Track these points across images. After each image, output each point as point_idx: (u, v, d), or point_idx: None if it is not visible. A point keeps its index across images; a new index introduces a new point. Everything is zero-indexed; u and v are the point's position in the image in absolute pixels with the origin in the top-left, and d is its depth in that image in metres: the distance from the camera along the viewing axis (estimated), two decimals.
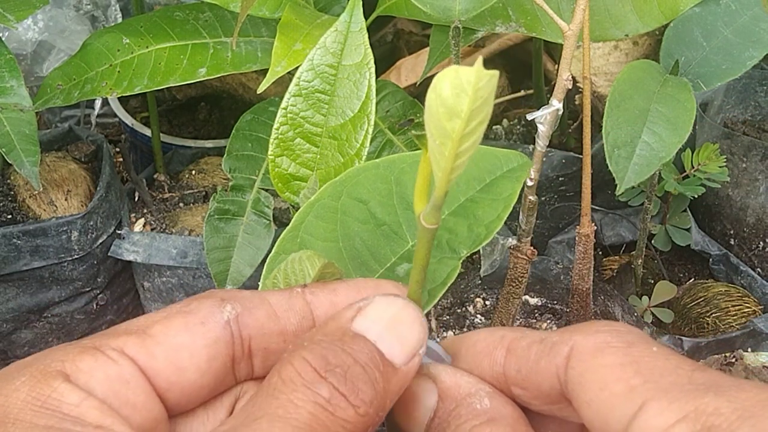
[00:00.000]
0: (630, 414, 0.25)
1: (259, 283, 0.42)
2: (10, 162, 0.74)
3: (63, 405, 0.25)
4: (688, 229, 0.89)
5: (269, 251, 0.77)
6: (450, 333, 0.79)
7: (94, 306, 0.89)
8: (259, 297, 0.30)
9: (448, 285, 0.41)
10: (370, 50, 0.51)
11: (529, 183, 0.58)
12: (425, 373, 0.31)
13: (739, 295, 0.87)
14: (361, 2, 0.51)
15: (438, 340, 0.37)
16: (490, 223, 0.43)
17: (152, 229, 0.89)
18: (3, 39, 0.77)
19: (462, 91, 0.24)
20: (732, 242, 0.93)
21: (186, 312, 0.29)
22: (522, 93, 1.06)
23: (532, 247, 0.63)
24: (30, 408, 0.25)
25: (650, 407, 0.25)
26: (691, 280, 0.90)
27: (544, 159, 0.80)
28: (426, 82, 1.19)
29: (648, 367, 0.26)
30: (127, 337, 0.28)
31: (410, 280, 0.31)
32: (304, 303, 0.30)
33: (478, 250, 0.80)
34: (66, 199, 0.87)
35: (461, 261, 0.42)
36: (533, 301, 0.82)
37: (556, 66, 1.00)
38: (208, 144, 1.02)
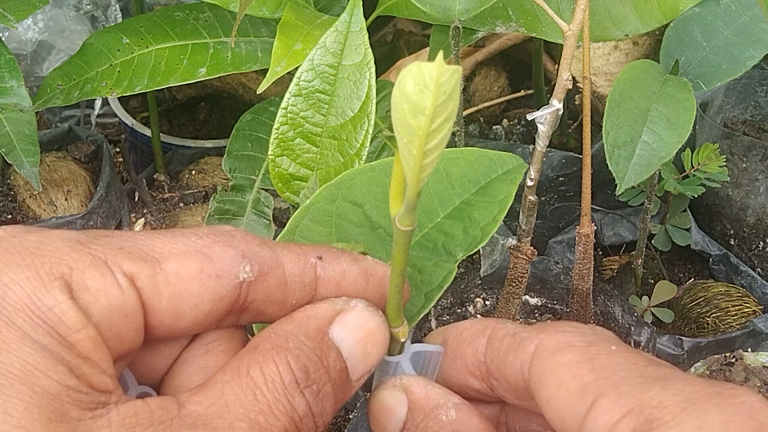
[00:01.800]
0: (583, 411, 0.25)
1: None
2: (10, 162, 0.74)
3: (61, 325, 0.24)
4: (688, 229, 0.89)
5: None
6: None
7: None
8: (276, 260, 0.29)
9: (445, 288, 0.41)
10: (370, 50, 0.51)
11: (529, 183, 0.58)
12: (398, 385, 0.31)
13: (739, 295, 0.87)
14: (361, 2, 0.51)
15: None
16: (486, 226, 0.43)
17: (152, 229, 0.89)
18: (3, 39, 0.77)
19: (425, 87, 0.24)
20: (732, 242, 0.93)
21: (205, 255, 0.27)
22: (522, 93, 1.06)
23: (532, 247, 0.63)
24: (27, 314, 0.24)
25: (600, 404, 0.25)
26: (691, 280, 0.90)
27: (544, 159, 0.80)
28: None
29: (602, 363, 0.26)
30: (142, 265, 0.26)
31: (390, 285, 0.31)
32: (313, 278, 0.30)
33: (478, 251, 0.80)
34: (66, 199, 0.87)
35: (457, 264, 0.42)
36: (533, 301, 0.82)
37: (556, 66, 1.00)
38: (208, 144, 1.02)
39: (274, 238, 0.76)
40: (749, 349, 0.81)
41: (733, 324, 0.84)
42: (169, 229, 0.28)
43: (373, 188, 0.43)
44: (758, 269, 0.90)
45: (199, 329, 0.28)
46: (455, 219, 0.43)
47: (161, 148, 0.96)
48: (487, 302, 0.82)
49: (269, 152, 0.52)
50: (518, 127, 1.00)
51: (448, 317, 0.81)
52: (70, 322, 0.24)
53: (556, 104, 0.53)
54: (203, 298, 0.27)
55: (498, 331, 0.30)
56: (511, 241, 0.69)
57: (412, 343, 0.34)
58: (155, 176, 0.97)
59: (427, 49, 0.77)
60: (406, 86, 0.24)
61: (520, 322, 0.78)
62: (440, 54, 0.24)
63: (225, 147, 0.78)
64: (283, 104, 0.51)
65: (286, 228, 0.42)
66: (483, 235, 0.42)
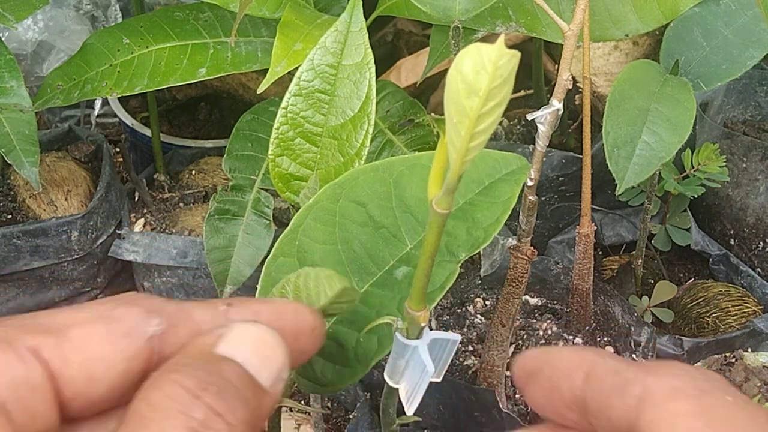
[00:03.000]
0: None
1: (258, 285, 0.42)
2: (10, 162, 0.74)
3: None
4: (688, 229, 0.89)
5: (269, 251, 0.77)
6: (450, 333, 0.79)
7: None
8: (185, 313, 0.29)
9: (447, 289, 0.41)
10: (370, 50, 0.51)
11: (529, 183, 0.58)
12: None
13: (739, 295, 0.87)
14: (361, 2, 0.51)
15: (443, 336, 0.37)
16: (489, 227, 0.43)
17: (152, 229, 0.89)
18: (3, 39, 0.77)
19: (482, 68, 0.24)
20: (732, 242, 0.93)
21: (110, 318, 0.27)
22: (522, 93, 1.06)
23: (532, 247, 0.63)
24: None
25: None
26: (691, 280, 0.90)
27: (544, 159, 0.80)
28: (426, 82, 1.18)
29: (719, 417, 0.25)
30: (45, 338, 0.25)
31: (417, 269, 0.31)
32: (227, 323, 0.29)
33: (479, 251, 0.79)
34: (66, 199, 0.87)
35: (459, 264, 0.42)
36: (533, 301, 0.82)
37: (556, 66, 1.00)
38: (208, 144, 1.02)
39: (275, 238, 0.76)
40: (749, 349, 0.81)
41: (733, 324, 0.84)
42: (70, 305, 0.28)
43: (376, 188, 0.43)
44: (758, 269, 0.90)
45: (118, 396, 0.27)
46: (458, 219, 0.43)
47: (161, 148, 0.96)
48: (487, 302, 0.82)
49: (269, 152, 0.52)
50: (518, 127, 1.00)
51: (448, 317, 0.81)
52: None
53: (556, 104, 0.53)
54: (115, 359, 0.26)
55: (598, 367, 0.29)
56: (511, 241, 0.69)
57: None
58: (155, 176, 0.97)
59: (427, 49, 0.77)
60: (464, 66, 0.24)
61: (521, 323, 0.78)
62: (502, 37, 0.24)
63: (225, 147, 0.78)
64: (283, 104, 0.51)
65: (289, 227, 0.42)
66: (486, 235, 0.42)
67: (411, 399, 0.37)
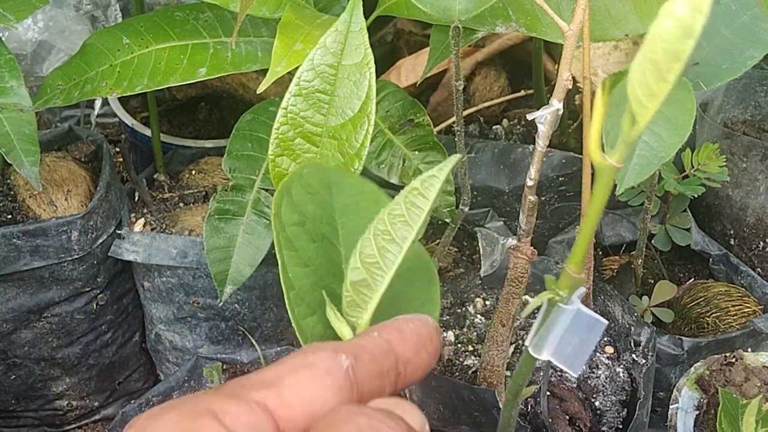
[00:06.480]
0: None
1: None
2: (10, 162, 0.74)
3: None
4: (688, 229, 0.89)
5: (269, 251, 0.77)
6: (450, 333, 0.79)
7: (94, 306, 0.89)
8: (360, 347, 0.33)
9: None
10: (370, 50, 0.51)
11: (529, 183, 0.58)
12: None
13: (739, 295, 0.87)
14: (361, 2, 0.51)
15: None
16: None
17: (152, 229, 0.89)
18: (3, 39, 0.77)
19: (697, 10, 0.25)
20: (732, 242, 0.93)
21: (309, 364, 0.31)
22: (522, 93, 1.06)
23: (532, 247, 0.63)
24: None
25: None
26: (691, 280, 0.90)
27: (544, 159, 0.80)
28: (426, 82, 1.18)
29: None
30: (267, 392, 0.30)
31: (581, 231, 0.32)
32: (387, 344, 0.34)
33: (478, 250, 0.80)
34: (66, 199, 0.87)
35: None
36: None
37: (556, 66, 1.00)
38: (208, 144, 1.02)
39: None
40: (749, 349, 0.81)
41: (733, 324, 0.84)
42: (268, 366, 0.32)
43: (304, 197, 0.42)
44: (758, 269, 0.90)
45: None
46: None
47: (161, 148, 0.96)
48: (487, 302, 0.82)
49: (269, 152, 0.52)
50: (518, 127, 1.00)
51: (447, 317, 0.81)
52: None
53: (556, 104, 0.53)
54: (328, 395, 0.31)
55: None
56: (511, 241, 0.69)
57: None
58: (155, 176, 0.97)
59: (427, 49, 0.77)
60: (679, 11, 0.26)
61: (521, 323, 0.78)
62: None
63: (225, 147, 0.78)
64: (283, 104, 0.51)
65: (279, 266, 0.41)
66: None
67: (577, 359, 0.37)
